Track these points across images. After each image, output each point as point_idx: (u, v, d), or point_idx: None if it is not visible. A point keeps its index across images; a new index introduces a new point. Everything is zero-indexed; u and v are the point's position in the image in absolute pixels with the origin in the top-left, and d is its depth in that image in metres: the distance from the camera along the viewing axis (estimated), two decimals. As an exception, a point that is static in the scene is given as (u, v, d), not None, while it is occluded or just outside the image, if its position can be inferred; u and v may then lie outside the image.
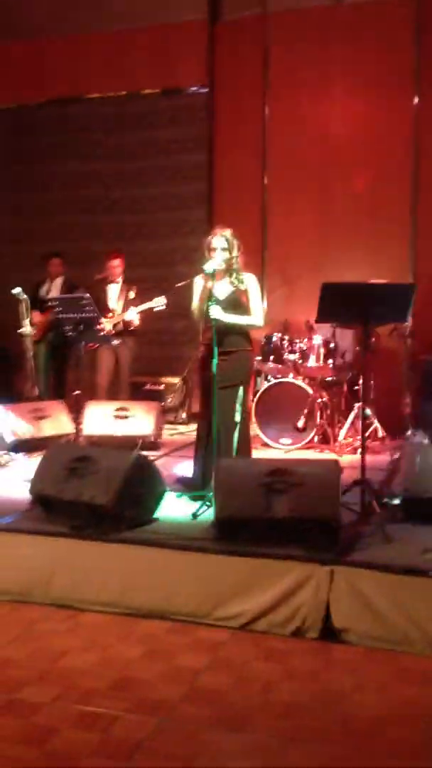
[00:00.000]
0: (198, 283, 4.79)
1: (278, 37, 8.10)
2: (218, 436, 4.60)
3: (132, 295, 7.14)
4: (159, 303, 6.76)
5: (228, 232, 4.76)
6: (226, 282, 4.76)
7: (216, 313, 4.56)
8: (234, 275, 4.76)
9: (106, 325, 6.78)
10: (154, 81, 8.62)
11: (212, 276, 4.58)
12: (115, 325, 6.91)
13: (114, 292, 7.20)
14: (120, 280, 7.24)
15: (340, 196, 7.98)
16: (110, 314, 6.97)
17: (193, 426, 7.65)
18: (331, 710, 2.85)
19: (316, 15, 8.02)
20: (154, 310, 6.80)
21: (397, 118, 7.78)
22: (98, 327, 6.18)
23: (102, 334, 6.53)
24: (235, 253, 4.74)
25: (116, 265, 7.24)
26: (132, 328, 7.02)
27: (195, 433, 5.18)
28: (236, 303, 4.74)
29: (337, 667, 3.23)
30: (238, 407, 4.76)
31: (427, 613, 3.33)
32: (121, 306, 7.09)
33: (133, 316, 6.93)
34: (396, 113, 7.79)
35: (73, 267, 7.96)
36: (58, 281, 7.82)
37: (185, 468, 5.45)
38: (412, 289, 4.49)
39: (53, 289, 7.76)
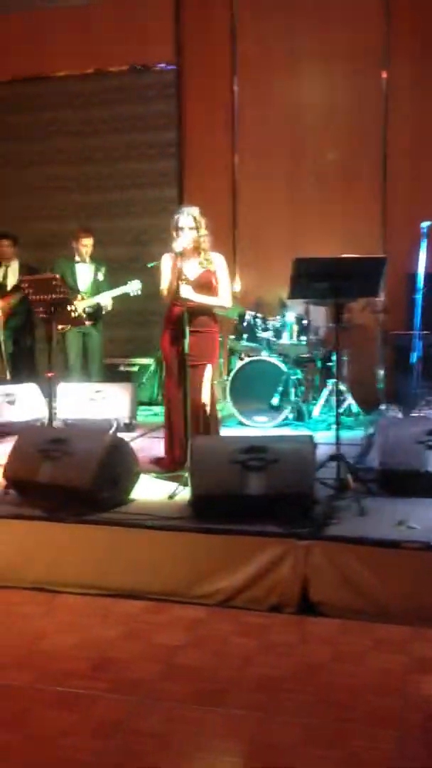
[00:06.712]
0: (166, 263, 4.74)
1: (245, 13, 7.99)
2: (189, 414, 4.57)
3: (101, 276, 6.98)
4: (134, 288, 6.63)
5: (195, 211, 4.71)
6: (195, 262, 4.72)
7: (186, 292, 4.53)
8: (203, 255, 4.72)
9: (78, 306, 6.63)
10: (121, 58, 8.47)
11: (180, 255, 4.54)
12: (85, 309, 6.75)
13: (83, 273, 6.99)
14: (89, 260, 7.08)
15: (311, 173, 7.93)
16: (80, 296, 6.80)
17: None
18: (308, 682, 2.88)
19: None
20: (131, 295, 6.69)
21: (367, 94, 7.73)
22: (70, 308, 6.09)
23: (74, 315, 6.43)
24: (202, 232, 4.69)
25: (87, 244, 7.05)
26: (104, 312, 6.89)
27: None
28: (205, 283, 4.70)
29: (314, 640, 3.26)
30: (206, 385, 4.75)
31: (402, 584, 3.37)
32: (91, 287, 6.94)
33: (107, 301, 6.80)
34: (365, 88, 7.74)
35: (38, 249, 7.83)
36: (15, 265, 7.48)
37: (160, 448, 5.44)
38: (382, 263, 4.50)
39: (10, 274, 7.42)
